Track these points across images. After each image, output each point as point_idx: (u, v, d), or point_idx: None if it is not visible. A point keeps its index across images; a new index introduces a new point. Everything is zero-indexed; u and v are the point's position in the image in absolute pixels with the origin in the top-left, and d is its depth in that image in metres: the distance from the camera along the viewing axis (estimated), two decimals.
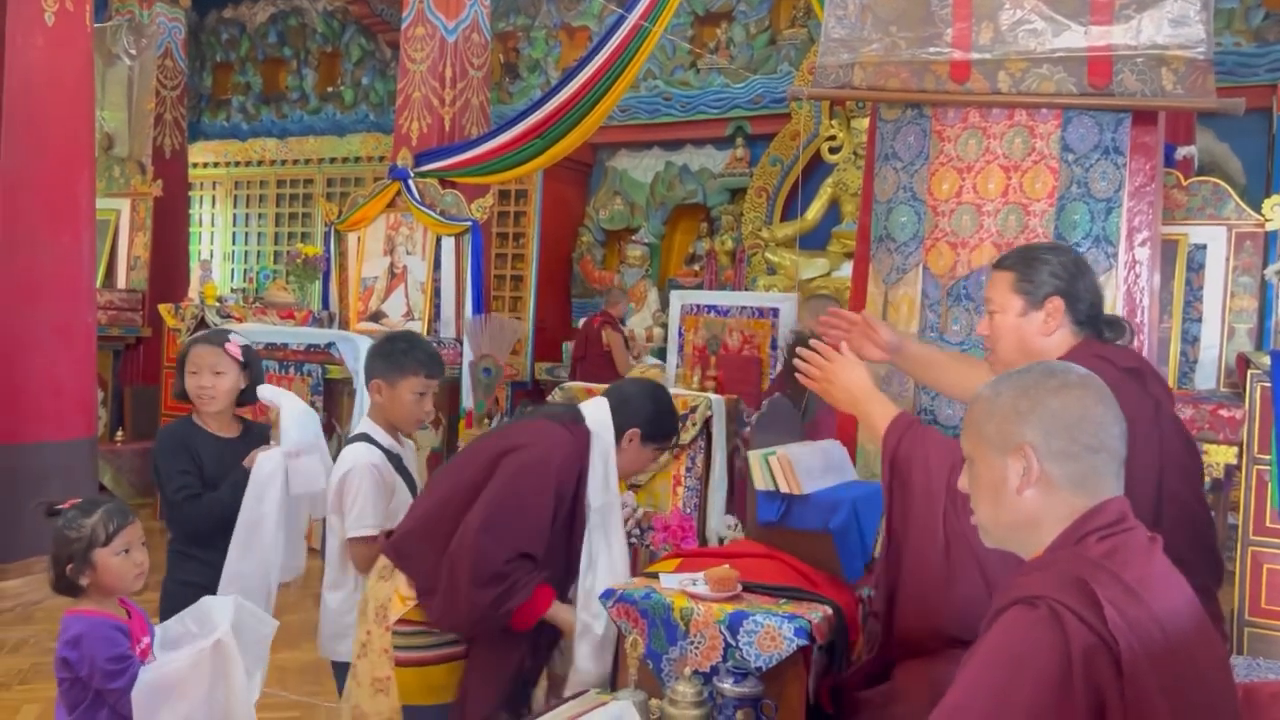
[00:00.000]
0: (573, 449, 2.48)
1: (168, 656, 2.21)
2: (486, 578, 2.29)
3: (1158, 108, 2.67)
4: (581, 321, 8.19)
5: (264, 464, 2.74)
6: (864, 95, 2.99)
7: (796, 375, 2.34)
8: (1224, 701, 1.36)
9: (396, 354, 2.73)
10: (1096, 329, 2.18)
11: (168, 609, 2.66)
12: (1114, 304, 2.74)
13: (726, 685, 1.95)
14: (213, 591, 2.64)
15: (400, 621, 2.41)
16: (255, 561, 2.72)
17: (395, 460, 2.75)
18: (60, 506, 2.28)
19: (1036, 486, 1.44)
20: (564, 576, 2.48)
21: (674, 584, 2.24)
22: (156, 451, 2.79)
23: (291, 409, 2.85)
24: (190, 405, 2.87)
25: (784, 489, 2.38)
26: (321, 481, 2.81)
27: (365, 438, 2.72)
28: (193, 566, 2.72)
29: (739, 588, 2.21)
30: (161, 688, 2.16)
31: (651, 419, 2.59)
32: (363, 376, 2.93)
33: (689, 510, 5.01)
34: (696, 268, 9.14)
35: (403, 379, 2.71)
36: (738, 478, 4.61)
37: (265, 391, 2.92)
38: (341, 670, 2.69)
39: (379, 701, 2.43)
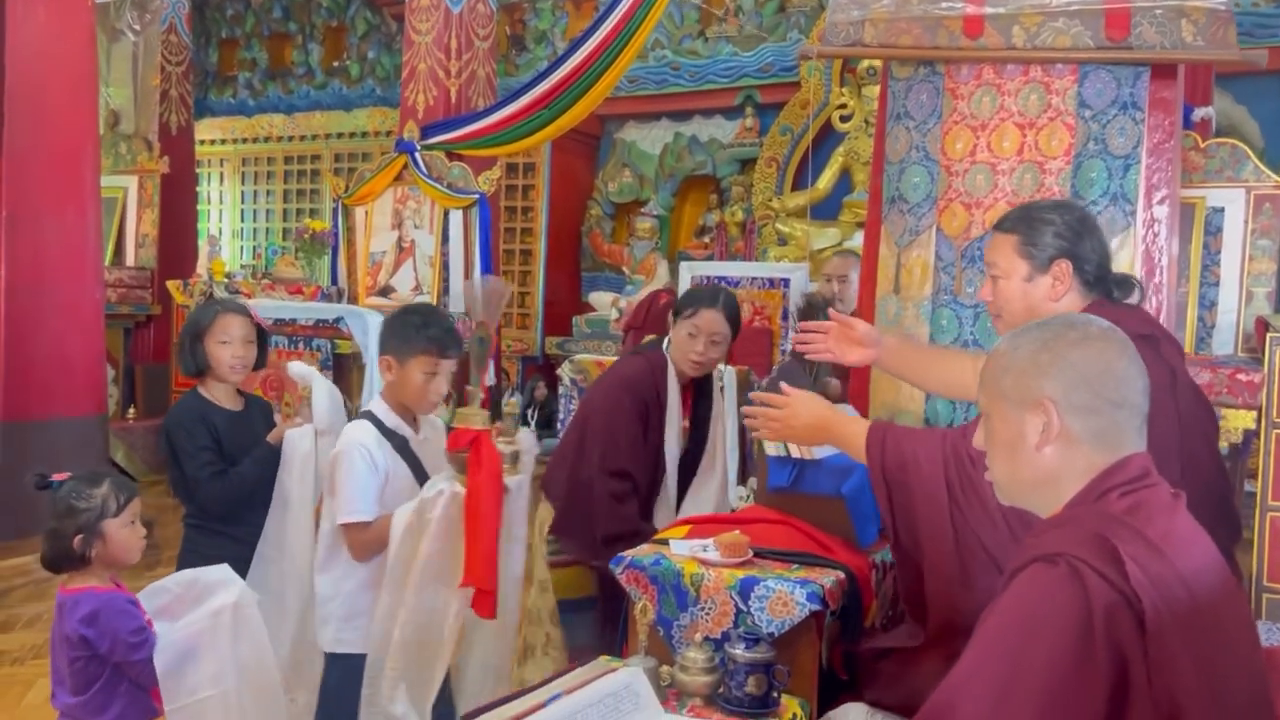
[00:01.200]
0: (645, 366, 3.06)
1: (186, 618, 2.20)
2: (612, 528, 2.83)
3: (1177, 60, 2.60)
4: (645, 293, 8.08)
5: (299, 441, 2.72)
6: (875, 53, 2.93)
7: (751, 433, 2.32)
8: (1250, 660, 1.33)
9: (408, 329, 2.52)
10: (1106, 289, 2.09)
11: None
12: (1132, 264, 2.68)
13: (738, 651, 1.92)
14: (242, 565, 2.64)
15: (550, 530, 3.03)
16: (290, 537, 2.71)
17: (399, 442, 2.53)
18: (54, 478, 2.23)
19: (1056, 442, 1.39)
20: (648, 493, 3.05)
21: (684, 550, 2.21)
22: (172, 427, 2.75)
23: (324, 387, 2.82)
24: (196, 378, 2.84)
25: (795, 454, 2.34)
26: None
27: (369, 416, 2.56)
28: (218, 542, 2.70)
29: (750, 553, 2.18)
30: (185, 650, 2.16)
31: (679, 300, 3.14)
32: (375, 351, 2.92)
33: None
34: (706, 240, 9.07)
35: (412, 357, 2.49)
36: (749, 449, 4.57)
37: (297, 368, 2.87)
38: (329, 660, 2.55)
39: (543, 599, 3.00)
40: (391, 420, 2.54)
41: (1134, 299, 2.14)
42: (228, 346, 2.78)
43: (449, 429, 2.41)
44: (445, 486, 2.32)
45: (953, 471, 1.93)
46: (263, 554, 2.71)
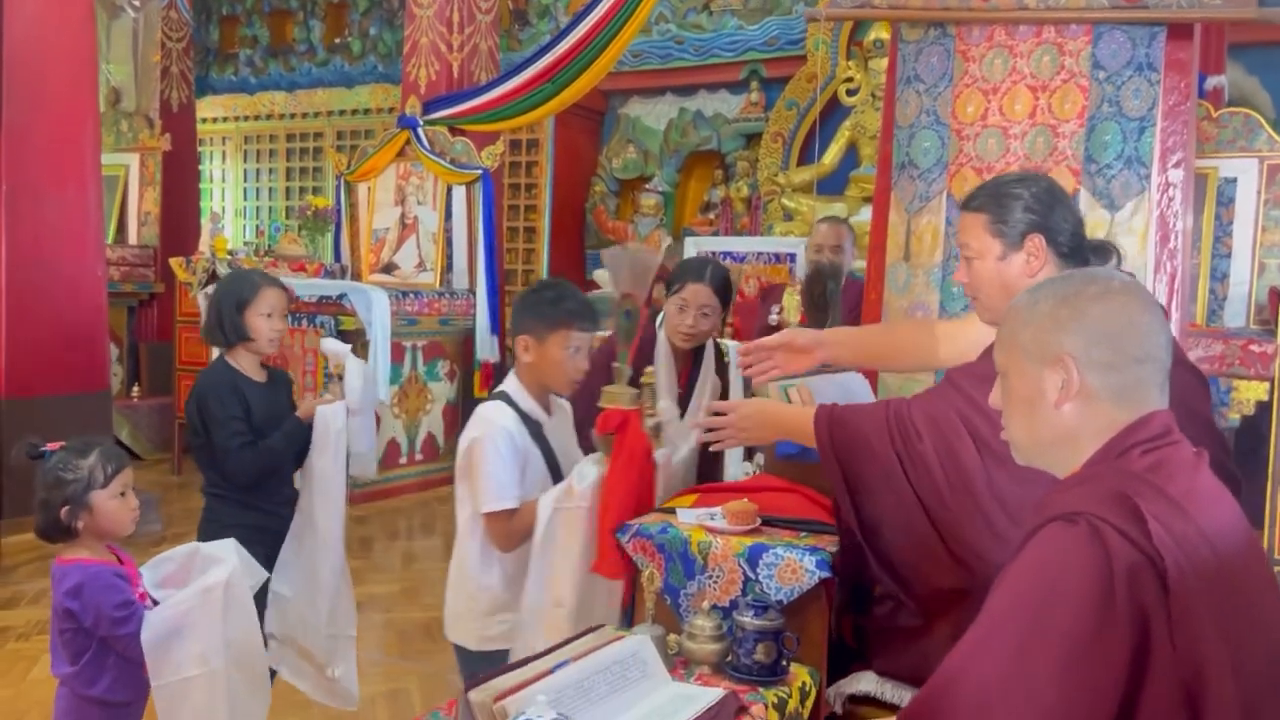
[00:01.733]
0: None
1: (175, 596, 2.15)
2: None
3: (1195, 19, 2.55)
4: None
5: (331, 419, 2.73)
6: (884, 14, 2.87)
7: (709, 440, 2.28)
8: (1273, 621, 1.29)
9: (544, 305, 2.43)
10: (1083, 258, 2.00)
11: None
12: (1146, 229, 2.64)
13: (747, 618, 1.88)
14: (263, 535, 2.69)
15: None
16: (320, 516, 2.73)
17: (533, 427, 2.44)
18: (45, 448, 2.19)
19: (1076, 400, 1.35)
20: None
21: (691, 518, 2.18)
22: (203, 395, 2.75)
23: (357, 365, 2.83)
24: (228, 347, 2.84)
25: None
26: (369, 442, 2.86)
27: (504, 397, 2.44)
28: (239, 512, 2.74)
29: (758, 521, 2.15)
30: (172, 628, 2.11)
31: (670, 275, 3.09)
32: (378, 327, 2.86)
33: None
34: (711, 216, 9.01)
35: (552, 333, 2.40)
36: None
37: (330, 345, 2.90)
38: (460, 655, 2.47)
39: None
40: (527, 404, 2.44)
41: (1112, 264, 2.08)
42: (269, 320, 2.79)
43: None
44: (594, 470, 2.22)
45: (899, 443, 1.90)
46: (296, 533, 2.75)
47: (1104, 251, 2.04)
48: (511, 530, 2.32)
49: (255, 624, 2.26)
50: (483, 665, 2.28)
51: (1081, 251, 1.99)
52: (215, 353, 7.20)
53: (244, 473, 2.72)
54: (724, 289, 3.05)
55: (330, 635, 2.78)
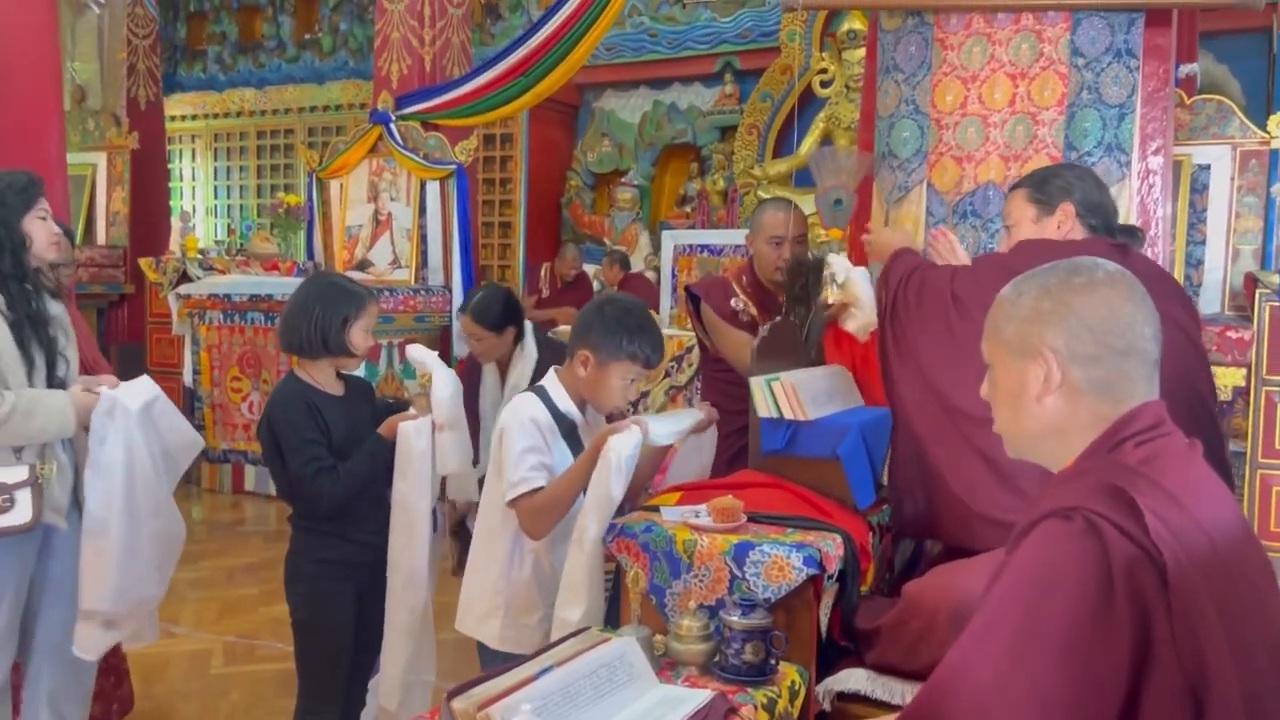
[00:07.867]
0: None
1: None
2: None
3: (1171, 5, 2.54)
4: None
5: (415, 438, 2.48)
6: (862, 3, 2.85)
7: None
8: (1270, 606, 1.27)
9: (623, 331, 2.30)
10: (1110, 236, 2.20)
11: (300, 591, 2.52)
12: (1127, 215, 2.63)
13: (734, 618, 1.86)
14: (354, 569, 2.51)
15: None
16: (403, 546, 2.51)
17: (567, 427, 2.36)
18: None
19: (1058, 393, 1.33)
20: None
21: (675, 516, 2.15)
22: (274, 418, 2.48)
23: (445, 376, 2.57)
24: (311, 359, 2.55)
25: (789, 415, 2.28)
26: (464, 461, 2.59)
27: (540, 392, 2.37)
28: (328, 543, 2.51)
29: (744, 518, 2.12)
30: None
31: None
32: None
33: None
34: (688, 209, 8.98)
35: (617, 361, 2.30)
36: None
37: (417, 351, 2.64)
38: (483, 654, 2.39)
39: None
40: (564, 404, 2.36)
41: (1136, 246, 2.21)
42: (368, 337, 2.56)
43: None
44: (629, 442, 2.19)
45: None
46: (392, 585, 2.53)
47: (1131, 234, 2.27)
48: (536, 507, 2.23)
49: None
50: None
51: (1111, 233, 2.21)
52: (187, 362, 6.99)
53: (323, 502, 2.45)
54: (484, 315, 3.24)
55: (407, 682, 2.53)
